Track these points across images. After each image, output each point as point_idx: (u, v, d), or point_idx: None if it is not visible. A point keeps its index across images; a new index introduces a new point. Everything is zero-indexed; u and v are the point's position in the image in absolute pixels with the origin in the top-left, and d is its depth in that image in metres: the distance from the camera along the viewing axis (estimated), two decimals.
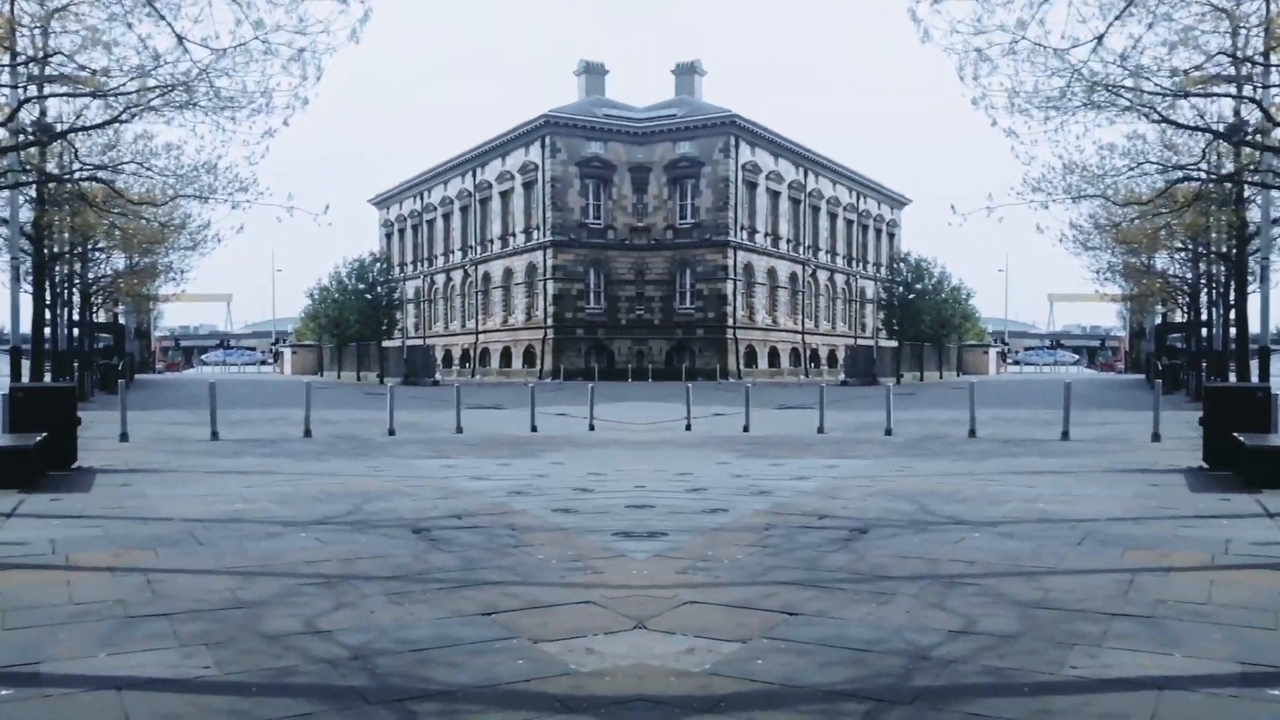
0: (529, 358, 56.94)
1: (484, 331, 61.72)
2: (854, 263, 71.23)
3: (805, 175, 64.22)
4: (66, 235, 24.67)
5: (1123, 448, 15.49)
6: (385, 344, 57.06)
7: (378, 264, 61.14)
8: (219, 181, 19.49)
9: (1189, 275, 31.15)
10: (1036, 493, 10.21)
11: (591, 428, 19.00)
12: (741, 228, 57.61)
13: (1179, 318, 40.40)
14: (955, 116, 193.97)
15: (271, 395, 36.24)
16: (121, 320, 47.30)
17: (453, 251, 66.94)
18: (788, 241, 62.54)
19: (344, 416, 23.11)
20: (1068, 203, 16.60)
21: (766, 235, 60.34)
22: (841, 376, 54.50)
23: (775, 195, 61.15)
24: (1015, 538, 7.71)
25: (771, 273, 60.65)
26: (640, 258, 57.46)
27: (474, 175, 63.55)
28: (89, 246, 27.81)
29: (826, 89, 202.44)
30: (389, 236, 76.04)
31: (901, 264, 62.35)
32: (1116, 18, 8.87)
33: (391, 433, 18.00)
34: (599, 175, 57.08)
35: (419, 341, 57.98)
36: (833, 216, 68.47)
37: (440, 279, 68.67)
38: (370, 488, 10.70)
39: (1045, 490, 10.43)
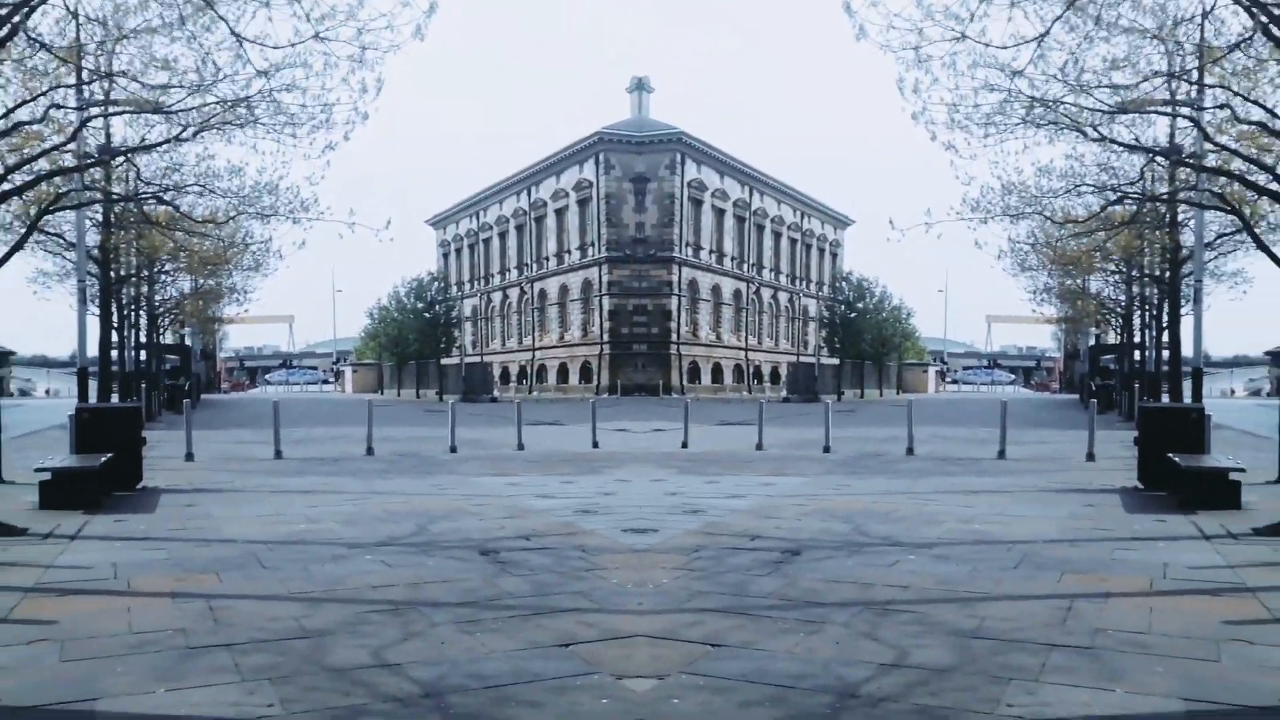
0: (585, 373, 56.99)
1: (541, 348, 61.87)
2: (797, 281, 71.64)
3: (750, 194, 64.47)
4: (133, 259, 24.79)
5: (1058, 467, 15.44)
6: (444, 362, 56.74)
7: (435, 283, 60.81)
8: (280, 201, 19.52)
9: (1122, 297, 31.62)
10: (973, 513, 10.00)
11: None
12: (687, 244, 57.56)
13: (1112, 339, 41.10)
14: (898, 140, 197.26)
15: (333, 414, 35.67)
16: (188, 342, 46.83)
17: (509, 269, 67.37)
18: (732, 259, 62.65)
19: (405, 434, 22.73)
20: (1006, 222, 16.62)
21: (711, 252, 60.38)
22: (784, 393, 54.64)
23: (720, 213, 61.25)
24: (951, 560, 7.45)
25: (716, 289, 60.67)
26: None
27: (529, 194, 63.95)
28: (155, 269, 27.72)
29: (772, 109, 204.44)
30: (446, 256, 76.68)
31: (844, 283, 62.73)
32: (1056, 19, 8.73)
33: (453, 450, 17.67)
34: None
35: (477, 359, 57.69)
36: (777, 235, 68.81)
37: (497, 297, 69.07)
38: (434, 507, 10.36)
39: (981, 510, 10.23)
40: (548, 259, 62.07)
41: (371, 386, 69.13)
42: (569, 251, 59.84)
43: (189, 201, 19.77)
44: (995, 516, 9.77)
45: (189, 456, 16.01)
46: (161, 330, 37.54)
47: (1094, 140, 11.27)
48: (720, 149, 60.05)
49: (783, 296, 70.14)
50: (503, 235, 68.11)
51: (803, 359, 59.14)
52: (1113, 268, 26.75)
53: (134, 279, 26.83)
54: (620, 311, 55.70)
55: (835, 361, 58.62)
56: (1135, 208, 15.84)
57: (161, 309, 34.10)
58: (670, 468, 14.79)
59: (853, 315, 59.73)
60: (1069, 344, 64.74)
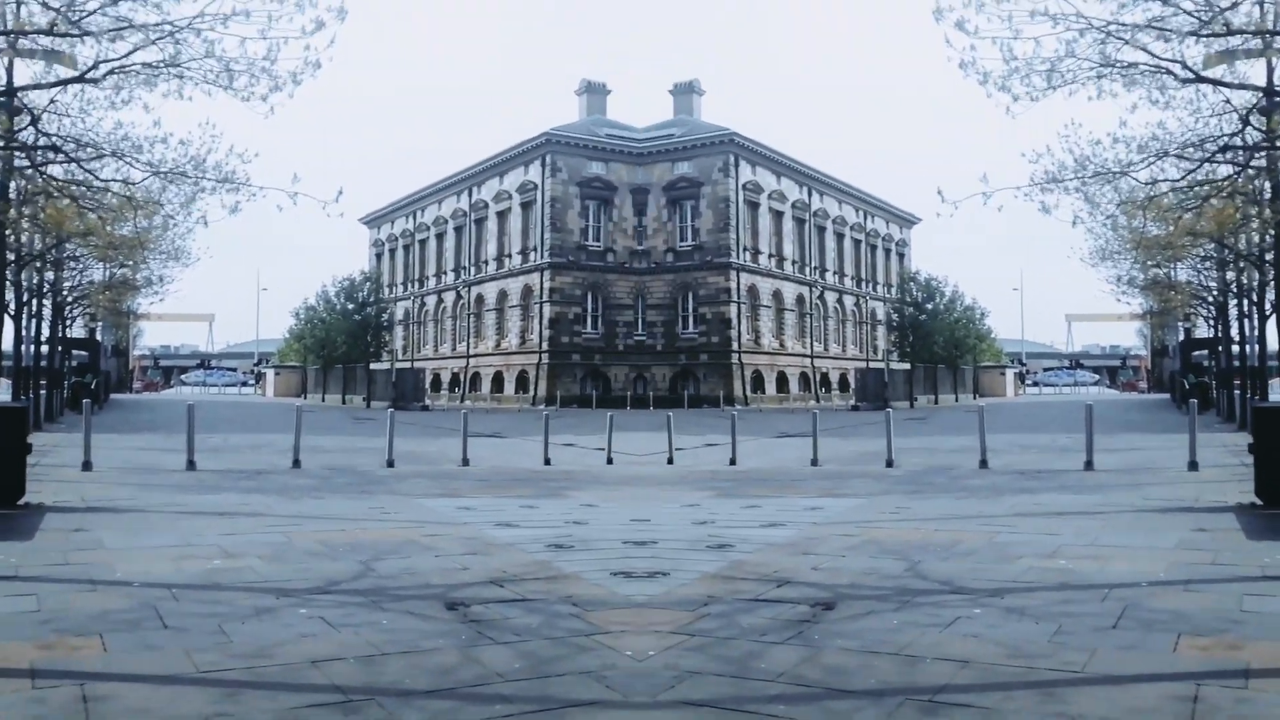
0: (522, 383, 55.08)
1: (475, 355, 59.87)
2: (863, 283, 69.30)
3: (809, 194, 62.48)
4: (35, 237, 22.48)
5: (1155, 479, 13.51)
6: (373, 366, 55.18)
7: (368, 283, 59.40)
8: (207, 179, 17.24)
9: (1214, 285, 29.10)
10: (1056, 543, 8.28)
11: (610, 460, 17.33)
12: (744, 249, 55.83)
13: (1204, 332, 38.30)
14: (967, 134, 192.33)
15: (254, 419, 34.65)
16: (98, 337, 45.78)
17: (445, 272, 65.04)
18: (793, 263, 60.69)
19: (335, 444, 21.42)
20: (1079, 200, 14.69)
21: (771, 256, 58.52)
22: (852, 401, 52.50)
23: (779, 215, 59.38)
24: (1028, 616, 5.80)
25: (777, 295, 58.77)
26: (640, 281, 55.81)
27: (470, 194, 61.83)
28: (63, 253, 25.86)
29: (830, 107, 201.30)
30: (379, 256, 74.07)
31: (911, 283, 60.30)
32: None
33: (390, 464, 16.25)
34: (600, 196, 55.39)
35: (407, 365, 55.94)
36: (839, 236, 66.61)
37: (431, 300, 66.74)
38: (380, 538, 8.83)
39: (1067, 539, 8.49)
40: (487, 263, 59.85)
41: (295, 390, 67.94)
42: (509, 256, 57.71)
43: (104, 176, 17.66)
44: (1085, 548, 8.04)
45: (86, 466, 14.51)
46: (68, 323, 36.03)
47: (1185, 82, 9.41)
48: (775, 149, 58.24)
49: (848, 300, 67.86)
50: (440, 236, 65.63)
51: (872, 365, 56.92)
52: (1202, 252, 24.38)
53: (37, 262, 24.59)
54: (561, 320, 53.81)
55: (906, 366, 56.27)
56: (1231, 173, 13.80)
57: (70, 298, 32.18)
58: (709, 489, 13.24)
59: (922, 317, 57.36)
60: (1155, 340, 61.48)
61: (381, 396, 50.56)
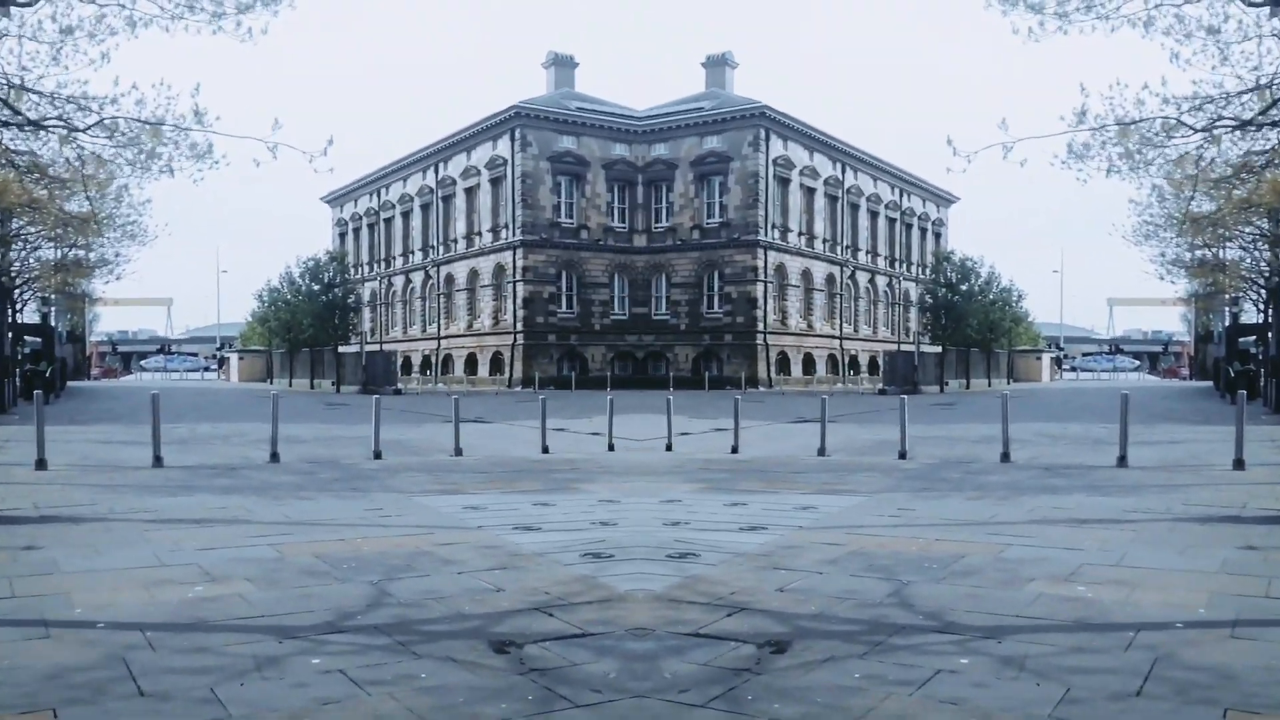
0: (496, 364, 53.97)
1: (447, 337, 58.77)
2: (897, 264, 67.48)
3: (843, 171, 60.73)
4: None
5: (1196, 478, 12.11)
6: (341, 350, 54.10)
7: (334, 263, 58.22)
8: (168, 142, 15.39)
9: (1266, 267, 27.32)
10: (1076, 561, 6.99)
11: (611, 447, 16.24)
12: (773, 226, 54.30)
13: (1252, 317, 36.35)
14: (1007, 107, 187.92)
15: (220, 406, 33.77)
16: (52, 322, 44.91)
17: (412, 252, 63.85)
18: (824, 241, 59.04)
19: (311, 433, 20.27)
20: (1118, 160, 13.20)
21: (801, 234, 56.93)
22: (880, 385, 50.97)
23: (810, 192, 57.71)
24: (1027, 670, 4.55)
25: (806, 274, 57.21)
26: (664, 259, 54.48)
27: (436, 171, 60.41)
28: (5, 228, 24.65)
29: (866, 82, 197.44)
30: (342, 236, 72.88)
31: (945, 263, 58.42)
32: None
33: (378, 455, 14.98)
34: (572, 172, 53.85)
35: (375, 347, 54.89)
36: (873, 215, 64.80)
37: (399, 281, 65.62)
38: (386, 549, 7.52)
39: (1090, 555, 7.20)
40: (456, 241, 58.50)
41: (260, 375, 67.06)
42: (480, 234, 56.23)
43: (50, 150, 16.09)
44: (1109, 569, 6.74)
45: (40, 464, 12.96)
46: (18, 306, 34.59)
47: (1253, 5, 7.98)
48: (808, 123, 56.48)
49: (881, 281, 66.09)
50: (406, 215, 64.28)
51: (902, 347, 55.23)
52: (1254, 230, 22.67)
53: None
54: (535, 299, 52.38)
55: (938, 349, 54.56)
56: None
57: (19, 280, 30.79)
58: (699, 481, 12.04)
59: (955, 298, 55.56)
60: (1200, 325, 59.30)
61: (351, 380, 49.62)
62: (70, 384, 48.84)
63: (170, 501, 10.25)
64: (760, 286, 52.87)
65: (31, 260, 30.58)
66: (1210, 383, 46.44)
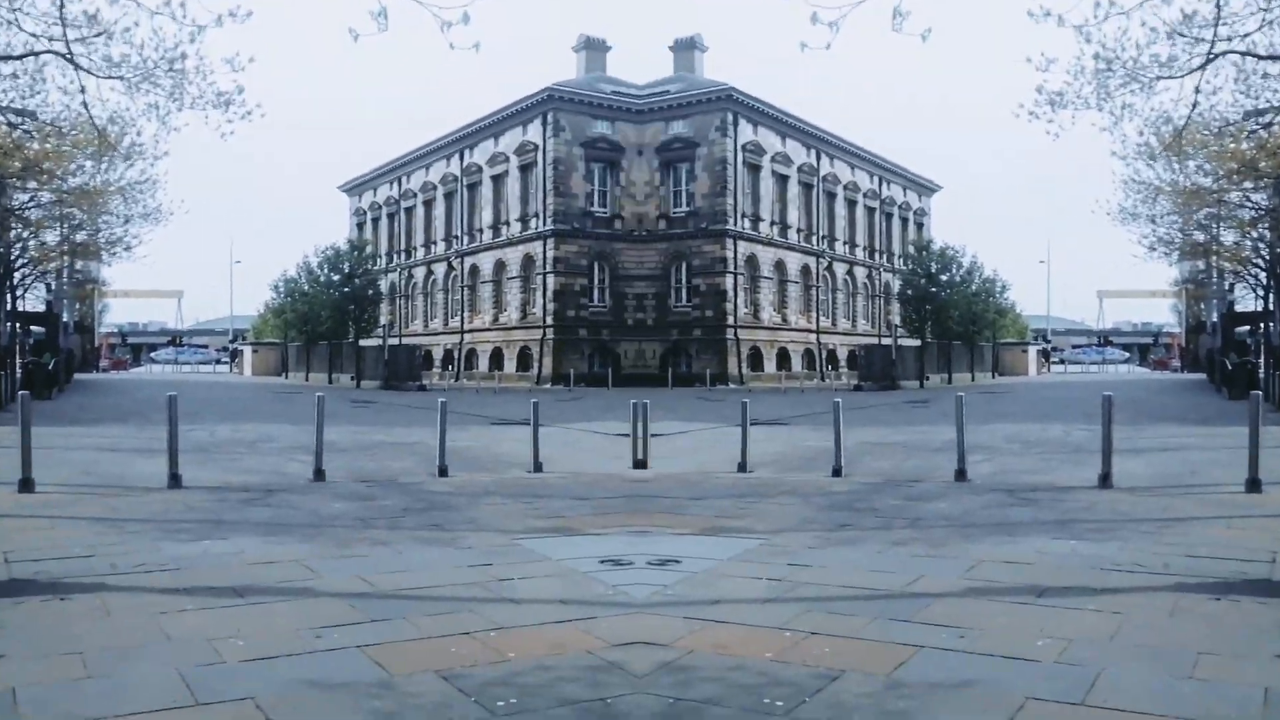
0: (524, 360, 50.88)
1: (471, 330, 55.66)
2: (877, 254, 64.73)
3: (818, 158, 57.93)
4: None
5: (1200, 507, 9.38)
6: (362, 343, 51.15)
7: (355, 253, 54.88)
8: (187, 79, 12.91)
9: (1264, 248, 24.68)
10: (1018, 691, 4.22)
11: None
12: (743, 215, 51.45)
13: (1249, 305, 33.74)
14: (991, 99, 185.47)
15: (238, 402, 30.70)
16: (58, 311, 41.85)
17: (435, 242, 60.60)
18: (799, 231, 56.23)
19: (346, 438, 16.96)
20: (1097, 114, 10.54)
21: (774, 224, 54.10)
22: (855, 381, 48.26)
23: (783, 179, 54.89)
24: None
25: (779, 266, 54.39)
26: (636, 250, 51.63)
27: (461, 158, 57.26)
28: (8, 197, 21.82)
29: (845, 68, 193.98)
30: (360, 226, 69.42)
31: (924, 252, 55.59)
32: None
33: (443, 472, 12.13)
34: (606, 158, 50.66)
35: (395, 340, 51.78)
36: (851, 204, 62.04)
37: (420, 272, 62.38)
38: (541, 655, 4.74)
39: (1042, 674, 4.42)
40: (481, 231, 55.19)
41: (274, 369, 64.21)
42: (507, 223, 53.05)
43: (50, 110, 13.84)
44: (1074, 689, 3.97)
45: (26, 485, 10.15)
46: (21, 291, 31.75)
47: None
48: (780, 107, 53.67)
49: (859, 272, 63.35)
50: (428, 204, 60.92)
51: (881, 341, 52.53)
52: (1252, 203, 20.00)
53: None
54: (566, 292, 49.27)
55: (917, 343, 51.88)
56: None
57: (20, 262, 27.95)
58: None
59: (935, 289, 52.77)
60: (1191, 315, 56.84)
61: (372, 375, 46.75)
62: (77, 376, 45.73)
63: (195, 550, 7.30)
64: (730, 279, 50.03)
65: (32, 242, 27.56)
66: (1204, 375, 43.89)
